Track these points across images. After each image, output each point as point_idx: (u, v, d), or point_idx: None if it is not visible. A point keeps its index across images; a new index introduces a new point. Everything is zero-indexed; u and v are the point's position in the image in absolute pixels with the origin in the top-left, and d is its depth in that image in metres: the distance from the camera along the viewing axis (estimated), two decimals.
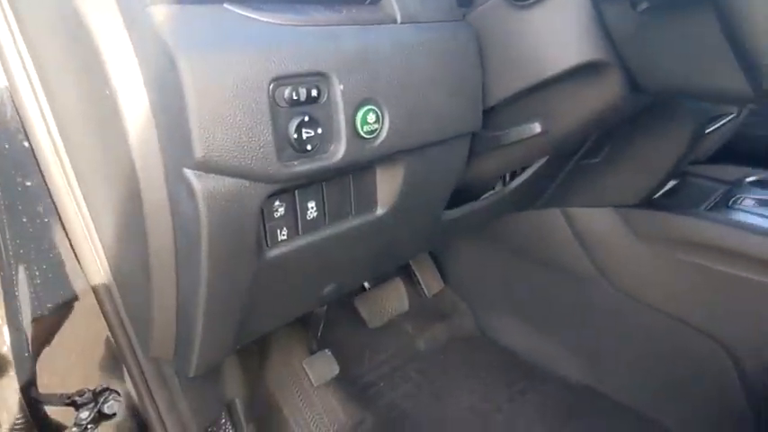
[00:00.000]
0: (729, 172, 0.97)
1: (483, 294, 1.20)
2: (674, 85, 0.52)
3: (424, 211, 0.65)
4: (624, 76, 0.54)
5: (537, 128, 0.60)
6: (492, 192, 0.79)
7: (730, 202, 0.85)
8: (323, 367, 0.91)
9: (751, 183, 0.92)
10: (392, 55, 0.51)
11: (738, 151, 1.03)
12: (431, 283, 1.20)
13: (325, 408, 0.91)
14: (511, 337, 1.15)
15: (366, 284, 1.12)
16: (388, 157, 0.54)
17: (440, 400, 1.05)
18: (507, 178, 0.82)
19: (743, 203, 0.84)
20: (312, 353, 0.93)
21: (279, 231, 0.50)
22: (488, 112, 0.62)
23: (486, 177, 0.72)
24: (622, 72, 0.54)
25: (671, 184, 0.99)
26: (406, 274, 1.20)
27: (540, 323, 1.10)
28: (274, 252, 0.51)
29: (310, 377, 0.88)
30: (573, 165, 0.86)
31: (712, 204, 0.86)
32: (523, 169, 0.79)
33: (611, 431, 0.97)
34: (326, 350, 0.94)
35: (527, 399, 1.05)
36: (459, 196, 0.74)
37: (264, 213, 0.49)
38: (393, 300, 1.13)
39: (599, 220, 0.91)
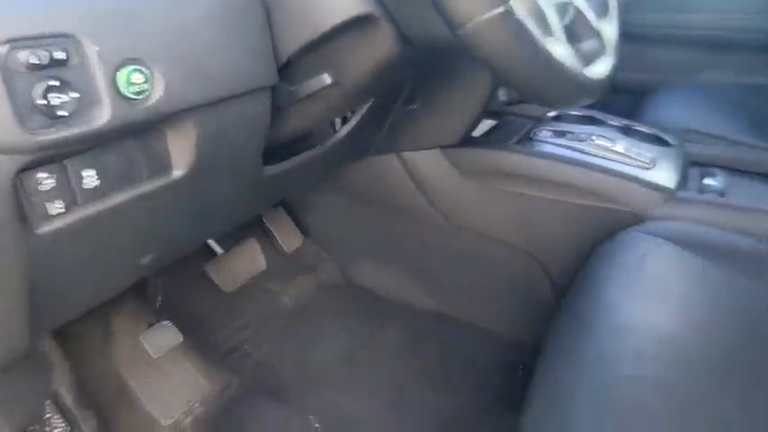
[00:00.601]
0: (538, 109, 1.08)
1: (342, 242, 1.23)
2: (434, 38, 0.55)
3: (235, 170, 0.64)
4: (394, 29, 0.57)
5: (327, 79, 0.62)
6: (319, 145, 0.81)
7: (532, 135, 0.95)
8: (161, 338, 0.89)
9: (551, 117, 1.04)
10: (161, 12, 0.48)
11: None
12: (289, 238, 1.21)
13: (183, 379, 0.90)
14: (371, 280, 1.20)
15: (219, 249, 1.10)
16: (174, 117, 0.52)
17: (306, 351, 1.09)
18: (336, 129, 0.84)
19: (541, 135, 0.95)
20: (151, 325, 0.91)
21: (50, 205, 0.47)
22: (286, 66, 0.62)
23: (300, 130, 0.73)
24: (392, 25, 0.56)
25: (491, 123, 1.08)
26: (263, 233, 1.19)
27: (394, 262, 1.17)
28: (48, 227, 0.47)
29: (148, 350, 0.86)
30: (397, 112, 0.90)
31: (519, 138, 0.96)
32: (346, 120, 0.82)
33: (460, 345, 1.09)
34: (165, 321, 0.92)
35: (386, 332, 1.12)
36: (291, 151, 0.75)
37: (24, 188, 0.45)
38: (247, 261, 1.13)
39: (428, 162, 0.97)
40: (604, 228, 0.82)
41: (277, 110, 0.64)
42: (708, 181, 0.91)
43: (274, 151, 0.71)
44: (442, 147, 0.95)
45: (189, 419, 0.87)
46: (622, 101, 1.30)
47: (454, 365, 1.05)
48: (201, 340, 0.98)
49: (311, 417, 0.94)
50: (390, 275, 1.18)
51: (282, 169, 0.73)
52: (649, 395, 0.50)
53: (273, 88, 0.61)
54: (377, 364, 1.06)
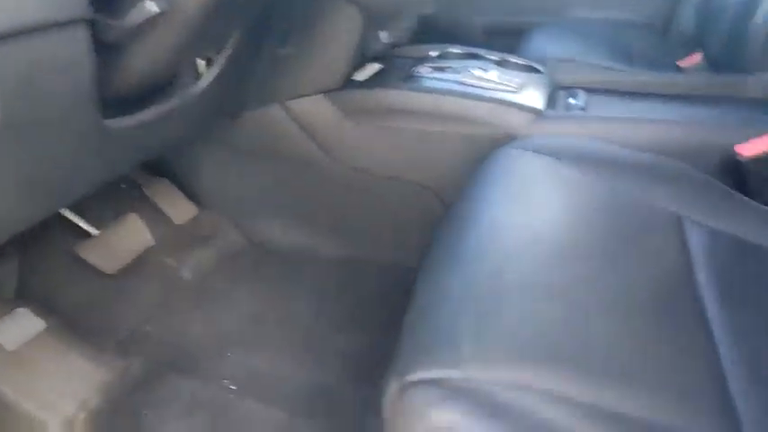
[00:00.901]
0: (422, 50, 1.11)
1: (240, 205, 1.19)
2: None
3: (63, 124, 0.57)
4: None
5: (153, 7, 0.56)
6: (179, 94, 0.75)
7: (414, 72, 0.98)
8: (16, 328, 0.80)
9: (434, 56, 1.07)
10: None
11: (431, 33, 1.23)
12: (178, 209, 1.15)
13: (66, 371, 0.83)
14: (276, 239, 1.18)
15: (94, 231, 1.02)
16: None
17: (214, 321, 1.05)
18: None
19: (422, 71, 0.97)
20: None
21: None
22: None
23: (148, 76, 0.66)
24: None
25: (377, 67, 1.09)
26: (147, 206, 1.13)
27: (297, 217, 1.15)
28: None
29: (2, 344, 0.79)
30: (271, 57, 0.88)
31: (402, 77, 0.98)
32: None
33: (372, 287, 1.10)
34: (19, 309, 0.83)
35: (297, 289, 1.11)
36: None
37: None
38: (129, 238, 1.06)
39: (314, 108, 0.96)
40: (485, 150, 0.86)
41: (107, 50, 0.58)
42: (572, 101, 0.99)
43: (130, 104, 0.65)
44: (325, 92, 0.94)
45: (83, 415, 0.79)
46: (501, 42, 1.38)
47: (366, 308, 1.07)
48: (87, 327, 0.91)
49: (225, 380, 0.93)
50: (295, 231, 1.17)
51: (132, 123, 0.66)
52: (510, 276, 0.54)
53: (93, 23, 0.54)
54: (288, 321, 1.06)
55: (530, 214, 0.65)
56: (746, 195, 0.81)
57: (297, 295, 1.11)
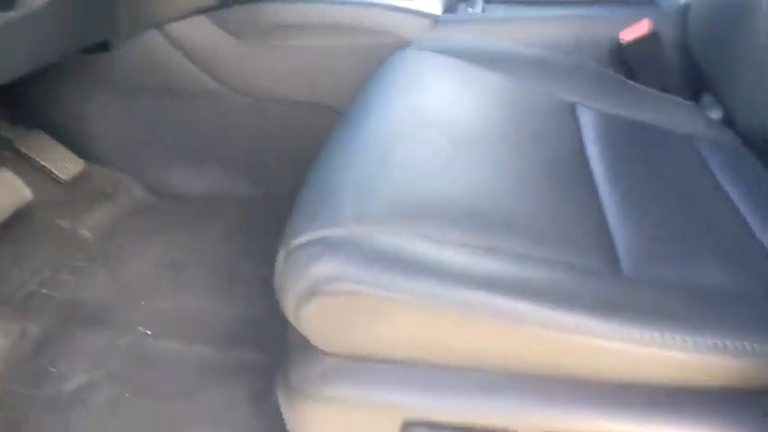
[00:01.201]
0: None
1: (136, 153, 1.11)
2: None
3: None
4: None
5: None
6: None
7: None
8: None
9: None
10: None
11: None
12: (61, 163, 1.04)
13: None
14: (178, 183, 1.12)
15: None
16: None
17: (123, 274, 0.99)
18: None
19: None
20: None
21: None
22: None
23: None
24: None
25: None
26: (23, 163, 1.02)
27: (199, 158, 1.08)
28: None
29: None
30: None
31: None
32: None
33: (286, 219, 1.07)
34: None
35: (210, 232, 1.07)
36: None
37: None
38: (3, 194, 0.95)
39: (194, 30, 0.89)
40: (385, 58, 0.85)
41: None
42: (470, 9, 0.99)
43: None
44: (203, 11, 0.87)
45: None
46: None
47: (279, 238, 1.04)
48: None
49: (140, 327, 0.88)
50: (204, 176, 1.10)
51: None
52: (402, 144, 0.54)
53: None
54: (205, 263, 1.01)
55: (425, 103, 0.65)
56: (631, 79, 0.87)
57: (213, 238, 1.07)
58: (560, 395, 0.46)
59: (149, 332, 0.87)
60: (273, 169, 1.08)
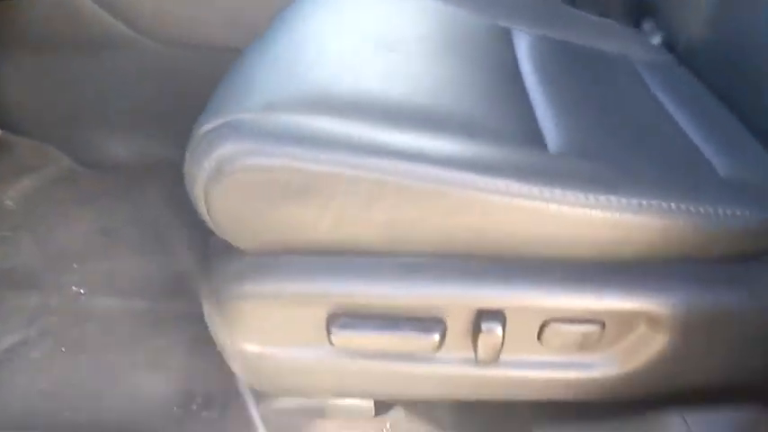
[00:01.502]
0: None
1: (53, 119, 1.05)
2: None
3: None
4: None
5: None
6: None
7: None
8: None
9: None
10: None
11: None
12: None
13: None
14: (106, 151, 1.09)
15: None
16: None
17: (49, 241, 0.96)
18: None
19: None
20: None
21: None
22: None
23: None
24: None
25: None
26: None
27: (120, 119, 1.04)
28: None
29: None
30: None
31: None
32: None
33: None
34: None
35: (140, 197, 1.05)
36: None
37: None
38: None
39: None
40: None
41: None
42: None
43: None
44: None
45: None
46: None
47: None
48: None
49: (73, 287, 0.87)
50: (129, 140, 1.08)
51: None
52: (325, 48, 0.53)
53: None
54: (135, 229, 1.00)
55: (349, 23, 0.62)
56: (572, 4, 0.87)
57: (147, 204, 1.05)
58: (488, 273, 0.45)
59: (83, 291, 0.86)
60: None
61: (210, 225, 0.45)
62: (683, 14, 0.75)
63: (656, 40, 0.84)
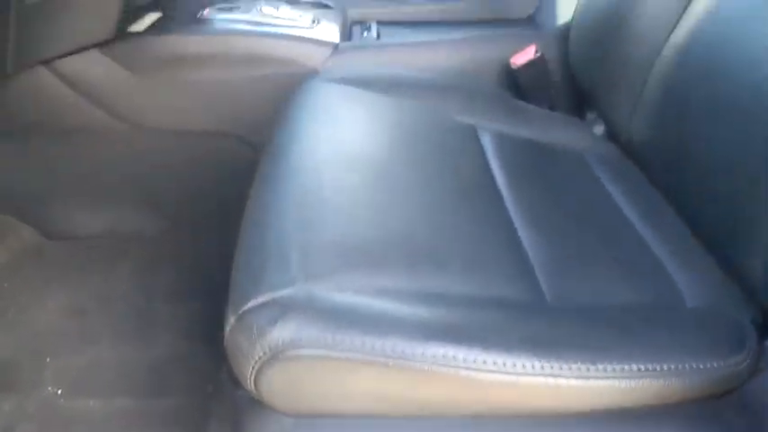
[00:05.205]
0: None
1: (26, 194, 1.01)
2: None
3: None
4: None
5: None
6: None
7: (199, 16, 0.91)
8: None
9: None
10: None
11: None
12: None
13: None
14: (73, 223, 1.04)
15: None
16: None
17: (19, 327, 0.90)
18: None
19: (208, 14, 0.91)
20: None
21: None
22: None
23: None
24: None
25: (157, 16, 0.98)
26: None
27: (93, 193, 1.01)
28: None
29: None
30: (18, 10, 0.73)
31: (187, 22, 0.90)
32: None
33: (197, 254, 1.03)
34: None
35: (113, 272, 1.00)
36: None
37: None
38: None
39: (88, 65, 0.84)
40: (287, 87, 0.85)
41: None
42: (366, 33, 1.02)
43: None
44: (96, 45, 0.82)
45: None
46: None
47: (192, 274, 1.01)
48: None
49: (49, 388, 0.81)
50: (99, 213, 1.04)
51: None
52: (329, 191, 0.56)
53: None
54: (111, 309, 0.94)
55: (339, 136, 0.67)
56: (522, 99, 0.94)
57: (120, 279, 1.00)
58: None
59: (60, 392, 0.81)
60: (178, 203, 1.05)
61: (254, 395, 0.45)
62: (622, 107, 0.79)
63: (599, 130, 0.90)
